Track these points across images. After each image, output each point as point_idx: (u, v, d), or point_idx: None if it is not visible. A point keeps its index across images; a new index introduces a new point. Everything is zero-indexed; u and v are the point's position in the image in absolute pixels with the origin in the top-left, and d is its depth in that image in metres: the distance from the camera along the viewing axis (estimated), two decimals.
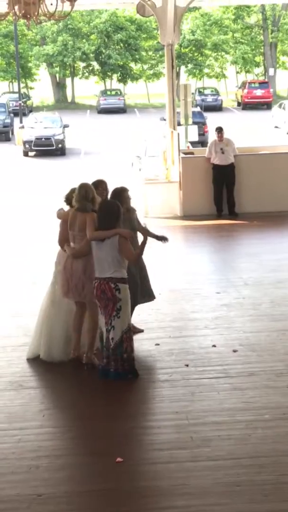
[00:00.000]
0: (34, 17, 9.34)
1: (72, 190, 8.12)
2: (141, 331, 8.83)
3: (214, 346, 8.40)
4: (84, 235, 7.71)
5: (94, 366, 7.75)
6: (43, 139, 32.20)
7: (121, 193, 8.22)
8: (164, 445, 6.25)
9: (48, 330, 8.04)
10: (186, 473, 5.78)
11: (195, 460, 5.98)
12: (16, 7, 9.24)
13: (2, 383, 7.56)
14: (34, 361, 8.09)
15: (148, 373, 7.69)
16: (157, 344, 8.46)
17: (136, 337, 8.52)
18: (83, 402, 7.19)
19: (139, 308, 9.71)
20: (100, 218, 7.55)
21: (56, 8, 9.54)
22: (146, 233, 7.90)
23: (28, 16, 9.29)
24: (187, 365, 7.87)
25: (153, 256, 12.83)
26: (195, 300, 10.14)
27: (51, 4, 9.68)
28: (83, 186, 7.93)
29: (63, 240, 7.99)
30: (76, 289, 7.80)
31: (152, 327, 9.08)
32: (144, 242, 7.72)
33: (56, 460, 6.11)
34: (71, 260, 7.86)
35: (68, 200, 8.16)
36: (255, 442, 6.25)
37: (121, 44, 56.74)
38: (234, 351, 8.23)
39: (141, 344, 8.44)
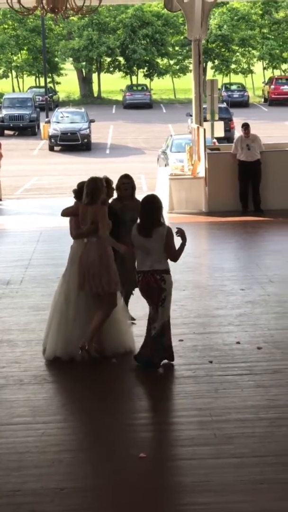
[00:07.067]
0: (62, 12, 9.35)
1: (80, 185, 8.14)
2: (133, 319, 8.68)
3: (238, 343, 8.36)
4: (95, 228, 7.74)
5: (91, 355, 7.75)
6: (68, 134, 32.27)
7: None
8: (187, 441, 6.24)
9: (64, 328, 7.93)
10: (209, 470, 5.75)
11: (218, 457, 5.95)
12: (44, 1, 9.26)
13: (26, 377, 7.58)
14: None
15: (171, 369, 7.67)
16: (181, 340, 8.43)
17: None
18: (106, 397, 7.19)
19: None
20: (146, 212, 7.59)
21: (84, 2, 9.55)
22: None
23: (56, 10, 9.31)
24: (211, 362, 7.84)
25: None
26: (220, 297, 10.10)
27: None
28: (93, 180, 7.95)
29: (79, 234, 7.99)
30: (93, 280, 7.79)
31: (176, 323, 9.03)
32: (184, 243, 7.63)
33: (79, 454, 6.12)
34: (87, 252, 7.87)
35: (77, 195, 8.17)
36: (279, 440, 6.21)
37: (147, 39, 56.62)
38: (259, 348, 8.18)
39: None
